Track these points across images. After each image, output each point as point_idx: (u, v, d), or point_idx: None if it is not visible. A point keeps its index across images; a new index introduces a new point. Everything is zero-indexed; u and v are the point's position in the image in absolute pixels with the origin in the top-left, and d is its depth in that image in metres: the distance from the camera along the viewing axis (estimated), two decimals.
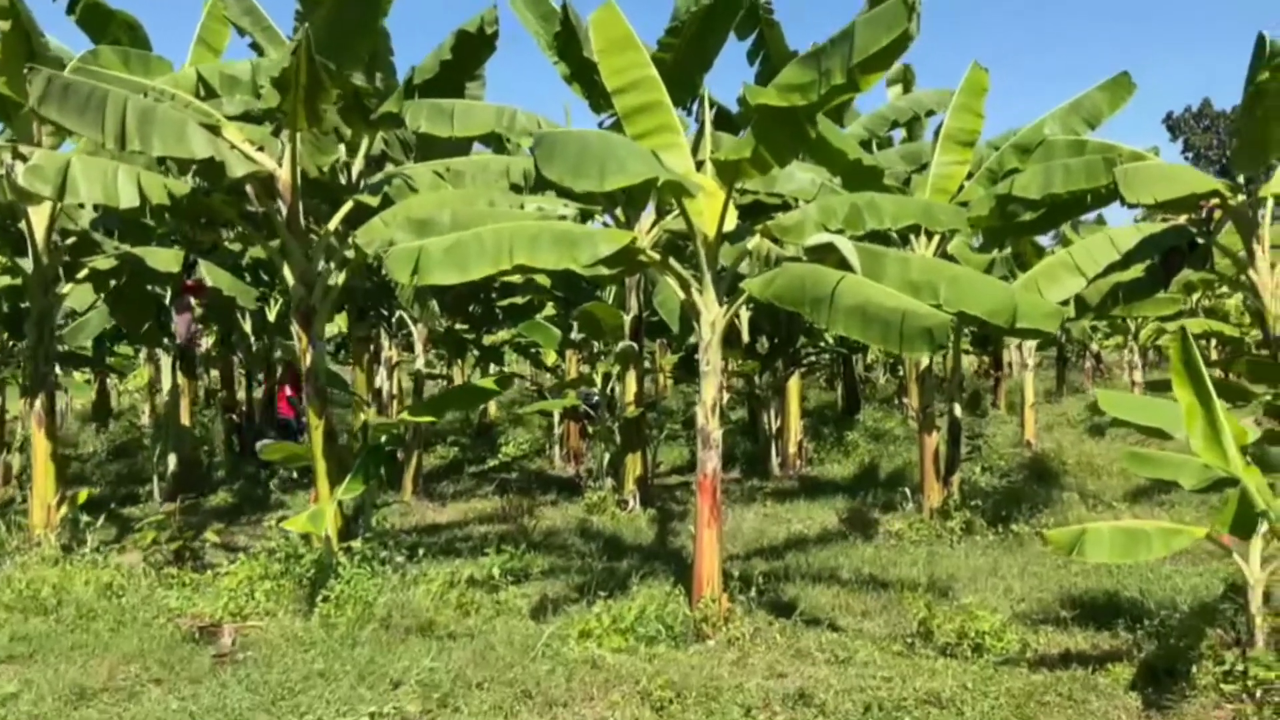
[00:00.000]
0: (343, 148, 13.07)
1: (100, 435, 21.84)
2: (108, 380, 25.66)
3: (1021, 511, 11.11)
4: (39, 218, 10.04)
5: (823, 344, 20.15)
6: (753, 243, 8.16)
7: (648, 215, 12.41)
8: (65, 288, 10.80)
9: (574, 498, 13.33)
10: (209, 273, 11.62)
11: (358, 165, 12.48)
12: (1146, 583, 8.42)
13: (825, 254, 7.67)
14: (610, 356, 12.95)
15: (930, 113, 14.27)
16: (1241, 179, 9.46)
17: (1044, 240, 15.90)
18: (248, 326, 17.96)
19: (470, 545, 10.52)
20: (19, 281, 10.99)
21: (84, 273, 10.89)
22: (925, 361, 12.00)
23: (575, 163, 6.61)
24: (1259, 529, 5.42)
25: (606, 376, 13.49)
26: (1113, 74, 11.57)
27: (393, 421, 10.13)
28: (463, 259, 7.22)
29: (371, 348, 17.92)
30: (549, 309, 17.20)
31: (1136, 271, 9.74)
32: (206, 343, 18.86)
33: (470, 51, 10.74)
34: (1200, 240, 9.70)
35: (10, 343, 16.57)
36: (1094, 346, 28.33)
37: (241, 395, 21.41)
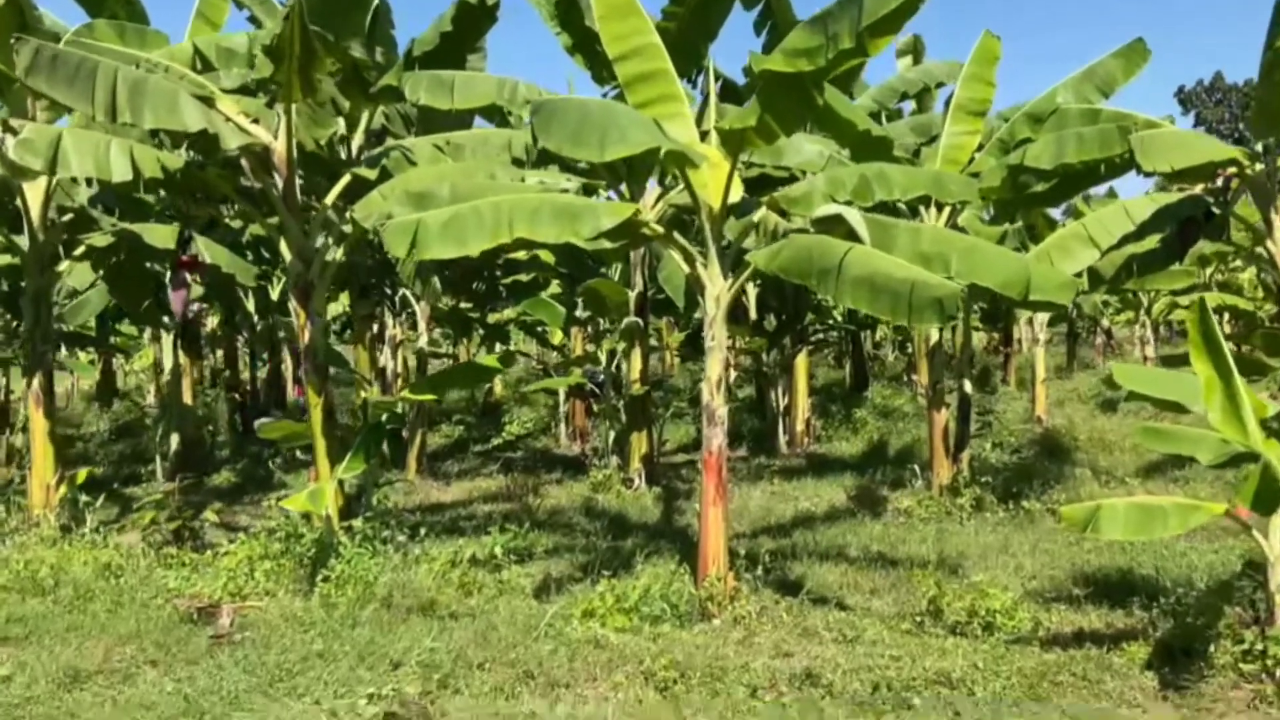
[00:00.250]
0: (341, 121, 12.99)
1: (104, 415, 21.78)
2: (113, 360, 25.62)
3: (1033, 488, 10.95)
4: (34, 194, 9.90)
5: (831, 321, 19.96)
6: (759, 215, 7.96)
7: (653, 190, 12.23)
8: (63, 266, 10.67)
9: (579, 476, 13.20)
10: (208, 249, 11.46)
11: (358, 140, 12.29)
12: (1161, 560, 8.26)
13: (833, 226, 7.48)
14: (615, 334, 12.78)
15: (940, 84, 14.02)
16: (1260, 147, 9.22)
17: (1055, 214, 15.67)
18: (251, 305, 17.84)
19: (474, 524, 10.39)
20: (18, 260, 10.85)
21: (81, 250, 10.74)
22: (934, 337, 11.82)
23: (574, 131, 6.42)
24: None
25: (611, 354, 13.32)
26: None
27: (393, 400, 9.99)
28: (461, 232, 7.06)
29: (375, 326, 17.79)
30: (554, 287, 17.03)
31: (1151, 243, 9.52)
32: (212, 321, 18.76)
33: (471, 23, 10.55)
34: (1216, 211, 9.48)
35: (14, 323, 16.47)
36: (1105, 322, 28.06)
37: (247, 375, 21.38)
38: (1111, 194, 20.38)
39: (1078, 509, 6.09)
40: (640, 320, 12.33)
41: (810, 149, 10.79)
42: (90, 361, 24.33)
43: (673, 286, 12.46)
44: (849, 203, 7.65)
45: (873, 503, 11.09)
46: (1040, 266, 7.65)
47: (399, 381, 15.34)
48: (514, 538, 9.10)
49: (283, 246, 8.75)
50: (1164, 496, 6.34)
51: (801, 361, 16.25)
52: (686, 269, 7.80)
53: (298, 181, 8.80)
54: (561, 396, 17.30)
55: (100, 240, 10.82)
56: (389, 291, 15.95)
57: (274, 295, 17.73)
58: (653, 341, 26.17)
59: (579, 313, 15.65)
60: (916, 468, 11.93)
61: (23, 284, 11.04)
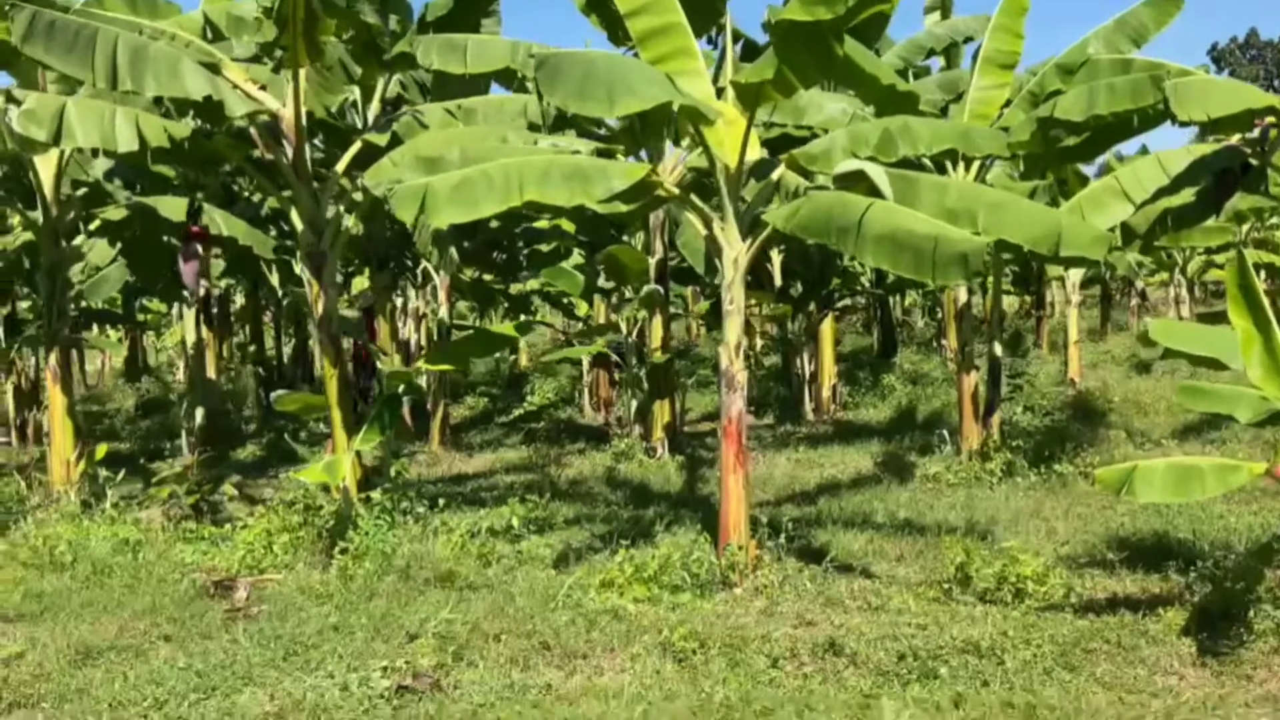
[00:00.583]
0: (357, 90, 12.81)
1: (132, 392, 21.87)
2: (143, 336, 25.76)
3: (1065, 451, 10.67)
4: (46, 167, 9.81)
5: (859, 287, 19.65)
6: (777, 173, 7.71)
7: (672, 154, 11.99)
8: (78, 241, 10.60)
9: (602, 446, 13.05)
10: (225, 222, 11.34)
11: (374, 109, 12.12)
12: (1198, 522, 8.00)
13: (855, 182, 7.24)
14: (635, 301, 12.59)
15: (969, 39, 13.60)
16: None
17: (1088, 170, 15.28)
18: (275, 279, 17.78)
19: (495, 495, 10.28)
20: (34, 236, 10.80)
21: (96, 224, 10.66)
22: (963, 299, 11.54)
23: (581, 86, 6.20)
24: None
25: (632, 322, 13.13)
26: None
27: (409, 370, 9.87)
28: (470, 196, 6.87)
29: (402, 299, 17.70)
30: (577, 257, 16.84)
31: (1186, 196, 9.20)
32: (235, 295, 18.74)
33: None
34: (1254, 162, 9.14)
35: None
36: (1139, 284, 27.53)
37: (274, 349, 21.40)
38: (1144, 152, 19.85)
39: (1112, 471, 5.87)
40: (661, 288, 12.13)
41: (833, 107, 10.51)
42: (119, 340, 24.44)
43: (691, 251, 12.24)
44: (871, 159, 7.40)
45: (900, 469, 10.87)
46: (1072, 221, 7.37)
47: (422, 354, 15.25)
48: (534, 508, 9.00)
49: (294, 216, 8.60)
50: (1201, 457, 6.09)
51: (827, 327, 15.99)
52: (704, 231, 7.58)
53: (308, 150, 8.64)
54: (585, 366, 17.15)
55: (115, 214, 10.74)
56: (410, 263, 15.84)
57: (297, 269, 17.64)
58: (678, 310, 26.03)
59: (601, 282, 15.47)
60: (945, 433, 11.69)
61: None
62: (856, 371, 19.02)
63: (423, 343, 17.05)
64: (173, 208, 10.74)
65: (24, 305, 18.44)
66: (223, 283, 20.49)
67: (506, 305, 20.45)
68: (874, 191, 6.99)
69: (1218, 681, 5.34)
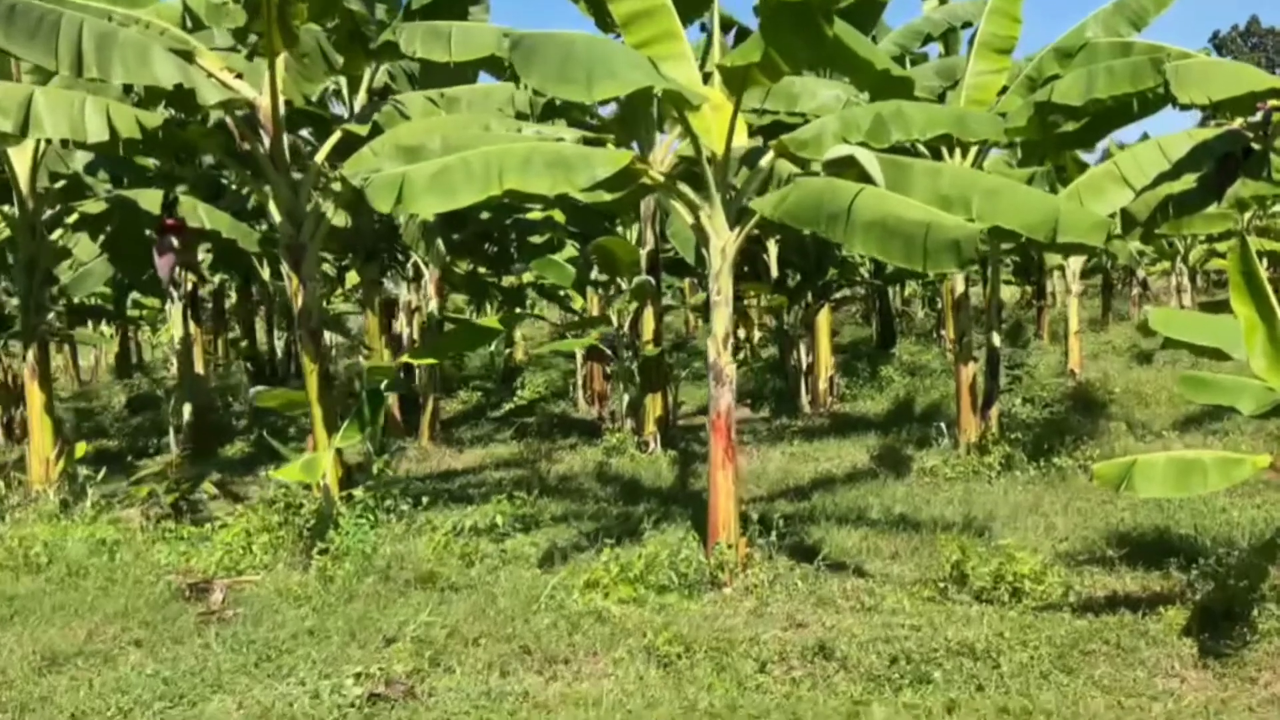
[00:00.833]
0: (343, 80, 12.60)
1: (124, 388, 21.69)
2: (137, 332, 25.58)
3: (1064, 444, 10.46)
4: (20, 160, 9.60)
5: (858, 277, 19.42)
6: (766, 160, 7.49)
7: (663, 144, 11.77)
8: (56, 235, 10.39)
9: (595, 441, 12.85)
10: (208, 216, 11.12)
11: (360, 99, 11.92)
12: (1200, 517, 7.79)
13: (845, 168, 7.02)
14: (626, 293, 12.36)
15: (967, 24, 13.33)
16: None
17: (1089, 159, 15.01)
18: (266, 274, 17.57)
19: (484, 492, 10.07)
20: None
21: (74, 218, 10.45)
22: (961, 288, 11.33)
23: (559, 68, 5.97)
24: None
25: (623, 314, 12.90)
26: None
27: (390, 365, 9.65)
28: (449, 186, 6.67)
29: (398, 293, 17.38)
30: (570, 249, 16.61)
31: (1187, 182, 8.97)
32: (215, 287, 18.52)
33: None
34: (1256, 146, 8.91)
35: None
36: (1140, 273, 27.30)
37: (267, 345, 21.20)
38: (1145, 139, 19.61)
39: (1111, 466, 5.67)
40: (652, 279, 11.90)
41: (827, 93, 10.29)
42: (111, 335, 24.24)
43: (682, 241, 12.03)
44: (863, 144, 7.18)
45: (896, 463, 10.65)
46: (1069, 207, 7.15)
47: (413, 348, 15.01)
48: (522, 505, 8.80)
49: (272, 208, 8.38)
50: (1203, 450, 5.88)
51: (824, 319, 15.76)
52: (690, 219, 7.36)
53: (286, 140, 8.42)
54: (579, 360, 16.93)
55: (93, 207, 10.52)
56: (401, 257, 15.61)
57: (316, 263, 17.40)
58: (674, 302, 25.76)
59: (594, 275, 15.23)
60: (943, 425, 11.47)
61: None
62: (854, 363, 18.80)
63: (415, 336, 16.84)
64: (153, 201, 10.50)
65: (16, 302, 18.23)
66: (216, 278, 20.33)
67: (500, 298, 20.22)
68: (865, 178, 6.77)
69: (1220, 684, 5.14)
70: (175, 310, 14.50)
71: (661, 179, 7.40)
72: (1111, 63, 8.72)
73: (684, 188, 7.40)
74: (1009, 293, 29.85)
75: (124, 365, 23.72)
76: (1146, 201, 9.14)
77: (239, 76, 8.30)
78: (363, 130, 8.73)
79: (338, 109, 13.02)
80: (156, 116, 7.98)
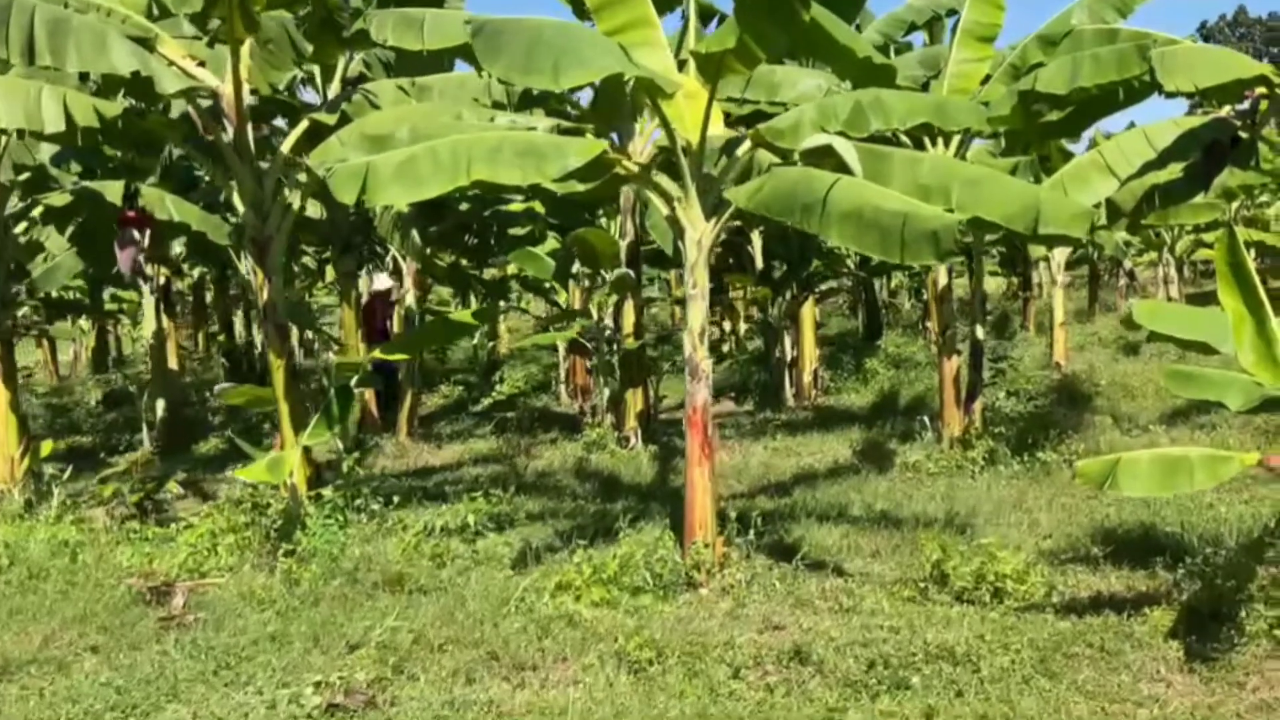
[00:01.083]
0: (316, 69, 12.35)
1: (100, 383, 21.38)
2: (116, 326, 25.21)
3: (1049, 438, 10.30)
4: None
5: (844, 269, 19.24)
6: (743, 149, 7.30)
7: (643, 134, 11.57)
8: (20, 229, 10.14)
9: (575, 436, 12.64)
10: (177, 208, 10.87)
11: (334, 88, 11.67)
12: (1187, 514, 7.62)
13: (823, 158, 6.84)
14: (605, 286, 12.16)
15: (952, 11, 13.10)
16: None
17: (1075, 149, 14.84)
18: (243, 267, 17.27)
19: (460, 489, 9.86)
20: None
21: (39, 210, 10.19)
22: (944, 280, 11.16)
23: (525, 56, 5.76)
24: None
25: (603, 307, 12.70)
26: None
27: (359, 361, 9.44)
28: (415, 176, 6.46)
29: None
30: (552, 241, 16.39)
31: (1174, 172, 8.81)
32: (195, 280, 18.24)
33: None
34: (1244, 135, 8.75)
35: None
36: (1127, 264, 27.18)
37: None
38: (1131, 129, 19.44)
39: (1094, 464, 5.51)
40: (632, 271, 11.70)
41: (808, 82, 10.08)
42: (86, 330, 23.89)
43: (661, 233, 11.82)
44: (841, 133, 7.00)
45: (880, 457, 10.49)
46: (1052, 196, 6.99)
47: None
48: (498, 503, 8.62)
49: (236, 199, 8.16)
50: (1190, 447, 5.73)
51: (808, 311, 15.59)
52: (665, 210, 7.17)
53: (252, 130, 8.19)
54: (561, 353, 16.73)
55: (59, 199, 10.27)
56: (380, 249, 15.36)
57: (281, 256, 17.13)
58: (659, 294, 25.54)
59: (578, 267, 15.00)
60: (926, 419, 11.32)
61: None
62: (840, 355, 18.63)
63: (396, 330, 16.59)
64: (119, 192, 10.26)
65: None
66: (195, 271, 20.04)
67: (483, 291, 19.97)
68: (843, 167, 6.59)
69: (1207, 689, 4.98)
70: (149, 304, 14.25)
71: (636, 169, 7.22)
72: (1097, 50, 8.55)
73: (660, 178, 7.22)
74: (994, 284, 29.77)
75: (101, 360, 23.37)
76: (1132, 191, 8.98)
77: (201, 64, 8.07)
78: (331, 119, 8.50)
79: (314, 99, 12.79)
80: (116, 106, 7.74)
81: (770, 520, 7.89)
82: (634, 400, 11.93)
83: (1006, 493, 8.84)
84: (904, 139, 9.93)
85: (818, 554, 7.25)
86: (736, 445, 11.77)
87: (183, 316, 29.77)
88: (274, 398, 8.22)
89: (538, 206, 13.83)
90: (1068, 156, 12.49)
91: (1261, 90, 8.41)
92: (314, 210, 13.28)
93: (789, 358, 15.31)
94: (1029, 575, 6.29)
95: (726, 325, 23.25)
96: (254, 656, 5.87)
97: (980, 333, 11.04)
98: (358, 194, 6.45)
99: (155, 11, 9.11)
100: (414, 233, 12.23)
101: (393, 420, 13.87)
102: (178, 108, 8.91)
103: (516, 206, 14.02)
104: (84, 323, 24.62)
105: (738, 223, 14.16)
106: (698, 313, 7.02)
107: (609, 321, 12.91)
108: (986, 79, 10.34)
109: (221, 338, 19.38)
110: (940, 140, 10.17)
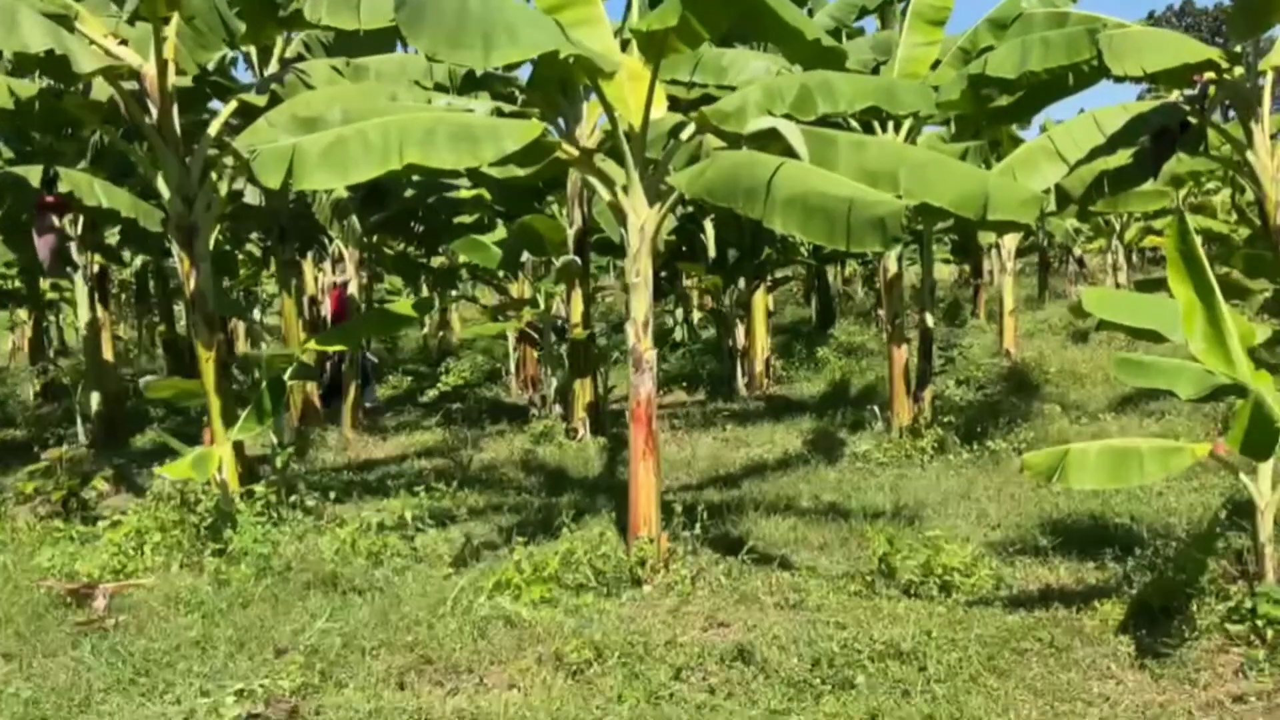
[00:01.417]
0: (254, 51, 11.97)
1: (37, 375, 20.76)
2: (58, 316, 24.54)
3: (998, 426, 10.24)
4: None
5: (797, 257, 19.10)
6: (687, 133, 7.09)
7: (588, 118, 11.33)
8: None
9: (525, 427, 12.41)
10: (106, 194, 10.46)
11: (272, 70, 11.31)
12: (1137, 503, 7.57)
13: (769, 141, 6.66)
14: (552, 274, 11.92)
15: None
16: (1239, 49, 8.40)
17: (1026, 136, 14.80)
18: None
19: (402, 483, 9.59)
20: None
21: None
22: (894, 268, 11.05)
23: (452, 30, 5.48)
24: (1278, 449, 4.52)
25: (550, 296, 12.46)
26: None
27: (292, 352, 9.13)
28: (343, 159, 6.21)
29: (320, 274, 16.73)
30: (501, 231, 16.08)
31: (1123, 157, 8.74)
32: (138, 269, 17.73)
33: None
34: (1193, 120, 8.69)
35: None
36: (1077, 250, 27.36)
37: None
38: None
39: (1042, 456, 5.38)
40: (579, 259, 11.47)
41: (758, 65, 9.84)
42: (25, 319, 23.21)
43: (608, 220, 11.59)
44: (788, 116, 6.82)
45: (829, 447, 10.37)
46: (1001, 182, 6.85)
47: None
48: (440, 497, 8.37)
49: (160, 184, 7.82)
50: (1139, 439, 5.60)
51: (761, 299, 15.45)
52: (607, 196, 6.95)
53: (176, 112, 7.85)
54: (511, 343, 16.45)
55: None
56: (327, 237, 14.98)
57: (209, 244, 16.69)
58: (605, 281, 25.27)
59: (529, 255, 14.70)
60: (876, 408, 11.21)
61: None
62: (793, 343, 18.53)
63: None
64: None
65: None
66: (138, 260, 19.48)
67: (433, 279, 19.60)
68: (789, 152, 6.41)
69: (1157, 686, 4.87)
70: (81, 293, 13.78)
71: (577, 153, 6.99)
72: (1046, 34, 8.42)
73: (604, 163, 7.00)
74: (945, 271, 29.88)
75: (38, 350, 22.69)
76: (1081, 177, 8.90)
77: (124, 43, 7.71)
78: (261, 101, 8.19)
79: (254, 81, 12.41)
80: (32, 87, 7.38)
81: (717, 513, 7.72)
82: (583, 391, 11.72)
83: (955, 483, 8.75)
84: (854, 124, 9.79)
85: (765, 547, 7.09)
86: (686, 436, 11.61)
87: (128, 306, 29.08)
88: (203, 391, 7.90)
89: (485, 194, 13.55)
90: (1018, 142, 12.42)
91: (1210, 75, 8.35)
92: (253, 197, 12.94)
93: (741, 346, 15.17)
94: (977, 568, 6.17)
95: (680, 313, 23.09)
96: (175, 663, 5.59)
97: (930, 321, 10.96)
98: (283, 178, 6.18)
99: None
100: (353, 219, 11.90)
101: (339, 412, 13.55)
102: (106, 89, 8.55)
103: (464, 194, 13.72)
104: (22, 312, 23.94)
105: (689, 209, 14.01)
106: (641, 302, 6.81)
107: (560, 311, 12.68)
108: (937, 63, 10.22)
109: (162, 328, 18.88)
110: (890, 125, 10.03)
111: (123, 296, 26.99)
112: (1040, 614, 5.65)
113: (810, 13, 12.72)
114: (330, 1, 9.18)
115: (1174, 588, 5.47)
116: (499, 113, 7.87)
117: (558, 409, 12.24)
